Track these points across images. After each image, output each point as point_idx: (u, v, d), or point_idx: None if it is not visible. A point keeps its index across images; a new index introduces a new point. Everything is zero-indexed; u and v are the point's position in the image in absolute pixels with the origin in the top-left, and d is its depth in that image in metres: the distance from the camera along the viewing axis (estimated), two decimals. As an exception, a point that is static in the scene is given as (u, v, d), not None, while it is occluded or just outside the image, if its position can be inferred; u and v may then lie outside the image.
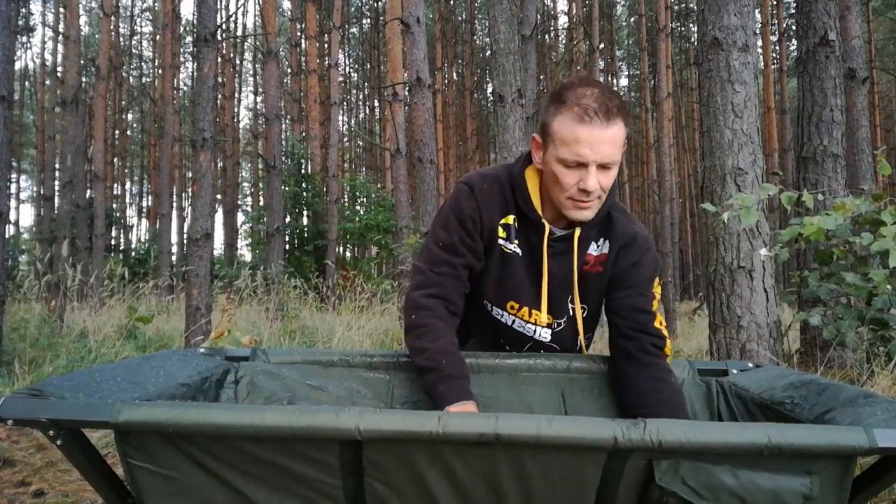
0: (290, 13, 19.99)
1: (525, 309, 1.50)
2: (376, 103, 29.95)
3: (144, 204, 32.82)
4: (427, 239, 1.52)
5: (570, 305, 1.50)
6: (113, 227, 22.83)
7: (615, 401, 1.47)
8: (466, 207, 1.44)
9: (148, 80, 29.93)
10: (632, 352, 1.42)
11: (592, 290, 1.50)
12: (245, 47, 28.64)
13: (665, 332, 1.45)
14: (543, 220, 1.43)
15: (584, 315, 1.52)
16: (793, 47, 17.86)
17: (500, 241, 1.46)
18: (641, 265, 1.47)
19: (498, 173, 1.49)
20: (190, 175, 22.13)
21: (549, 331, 1.52)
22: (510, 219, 1.45)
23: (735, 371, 1.49)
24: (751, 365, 1.50)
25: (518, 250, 1.46)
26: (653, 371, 1.40)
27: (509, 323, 1.53)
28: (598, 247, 1.47)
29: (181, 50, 24.36)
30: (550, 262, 1.45)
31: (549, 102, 1.36)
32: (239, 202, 27.93)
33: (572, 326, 1.53)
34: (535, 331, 1.52)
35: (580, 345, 1.58)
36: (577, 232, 1.43)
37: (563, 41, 25.00)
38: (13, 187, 29.49)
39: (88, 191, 13.60)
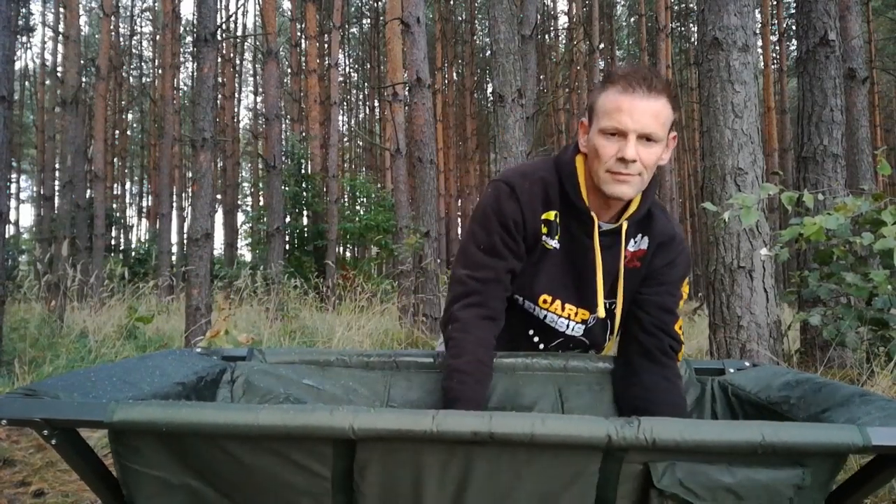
0: (290, 13, 20.00)
1: (557, 303, 1.48)
2: (376, 103, 29.97)
3: (144, 204, 32.86)
4: (464, 241, 1.46)
5: (606, 300, 1.48)
6: (113, 227, 22.84)
7: (613, 398, 1.46)
8: (508, 208, 1.39)
9: (148, 80, 29.97)
10: (650, 348, 1.42)
11: (628, 285, 1.48)
12: (245, 47, 28.67)
13: (682, 338, 1.45)
14: (592, 214, 1.40)
15: (615, 309, 1.51)
16: (793, 47, 17.86)
17: (543, 238, 1.43)
18: (676, 264, 1.47)
19: (539, 171, 1.44)
20: (190, 175, 22.14)
21: (583, 326, 1.51)
22: (552, 214, 1.42)
23: (732, 370, 1.49)
24: (748, 364, 1.50)
25: (556, 245, 1.44)
26: (665, 372, 1.40)
27: (541, 317, 1.50)
28: (635, 243, 1.46)
29: (181, 50, 24.39)
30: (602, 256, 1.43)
31: (598, 85, 1.38)
32: (239, 202, 27.95)
33: (604, 322, 1.51)
34: (567, 325, 1.50)
35: (605, 343, 1.57)
36: (625, 226, 1.41)
37: (563, 41, 25.00)
38: (13, 187, 29.53)
39: (88, 191, 13.60)
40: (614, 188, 1.33)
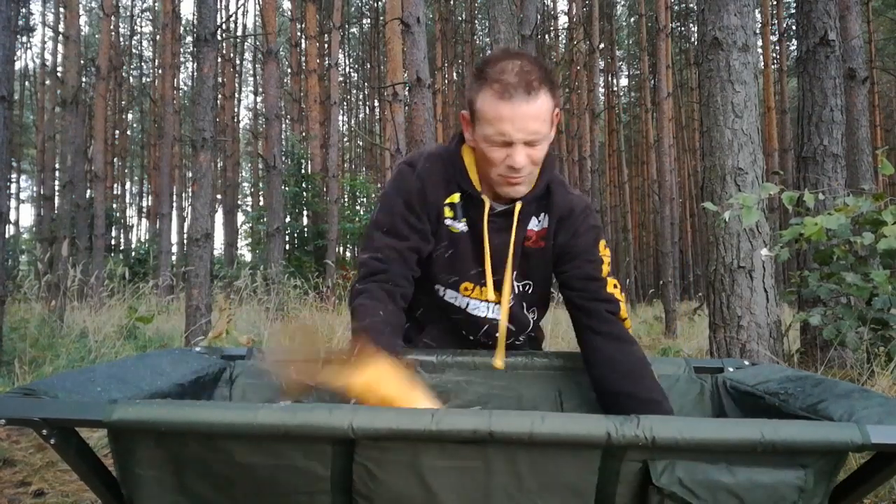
0: (290, 13, 19.99)
1: (477, 289, 1.48)
2: (376, 103, 29.97)
3: (144, 204, 32.87)
4: (368, 227, 1.46)
5: (515, 283, 1.49)
6: (113, 227, 22.86)
7: (592, 387, 1.45)
8: (410, 187, 1.40)
9: (148, 80, 29.96)
10: (590, 322, 1.41)
11: (535, 265, 1.48)
12: (245, 47, 28.66)
13: (618, 296, 1.43)
14: (483, 196, 1.40)
15: (530, 291, 1.52)
16: (793, 47, 17.86)
17: (448, 222, 1.43)
18: (579, 234, 1.45)
19: (440, 151, 1.45)
20: (190, 175, 22.13)
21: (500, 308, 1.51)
22: (456, 197, 1.42)
23: (731, 369, 1.49)
24: (747, 363, 1.50)
25: (465, 228, 1.44)
26: (609, 339, 1.39)
27: (463, 306, 1.50)
28: (538, 221, 1.46)
29: (181, 50, 24.40)
30: (492, 237, 1.43)
31: (472, 77, 1.34)
32: (239, 202, 27.94)
33: (520, 304, 1.52)
34: (488, 308, 1.49)
35: (531, 322, 1.56)
36: (518, 206, 1.41)
37: (563, 41, 25.00)
38: (13, 187, 29.49)
39: (88, 191, 13.58)
40: (509, 191, 1.36)
